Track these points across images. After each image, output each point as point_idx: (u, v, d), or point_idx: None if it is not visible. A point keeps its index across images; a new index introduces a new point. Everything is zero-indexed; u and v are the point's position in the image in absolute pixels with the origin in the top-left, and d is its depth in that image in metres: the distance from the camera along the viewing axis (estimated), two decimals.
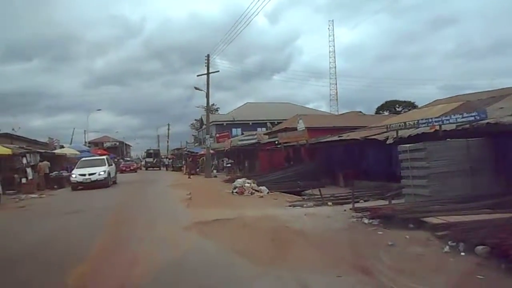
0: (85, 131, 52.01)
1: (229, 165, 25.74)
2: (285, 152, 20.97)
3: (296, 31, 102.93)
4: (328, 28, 58.70)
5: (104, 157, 21.29)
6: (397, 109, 43.83)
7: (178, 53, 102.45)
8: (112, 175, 19.63)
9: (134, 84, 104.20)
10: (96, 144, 57.93)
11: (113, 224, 8.44)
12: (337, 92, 56.42)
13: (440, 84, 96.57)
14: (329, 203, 9.78)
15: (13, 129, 27.05)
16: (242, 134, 35.12)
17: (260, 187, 13.89)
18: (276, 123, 35.84)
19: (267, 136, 26.77)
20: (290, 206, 9.99)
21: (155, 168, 45.82)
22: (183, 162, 41.80)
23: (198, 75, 27.42)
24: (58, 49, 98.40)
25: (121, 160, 44.44)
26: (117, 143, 66.44)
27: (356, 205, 8.73)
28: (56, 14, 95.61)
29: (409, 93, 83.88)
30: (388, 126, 11.98)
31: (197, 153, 32.87)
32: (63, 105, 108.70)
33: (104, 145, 60.20)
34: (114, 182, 19.97)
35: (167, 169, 42.79)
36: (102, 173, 18.17)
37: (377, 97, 66.79)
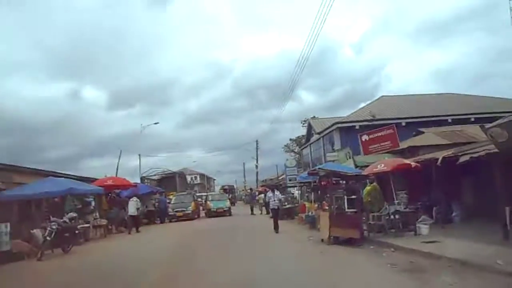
0: (139, 155, 42.24)
1: None
2: None
3: (383, 58, 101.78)
4: None
5: None
6: None
7: (265, 90, 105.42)
8: None
9: (223, 122, 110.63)
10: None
11: None
12: None
13: None
14: None
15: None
16: None
17: None
18: (450, 120, 20.93)
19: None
20: None
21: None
22: (312, 196, 26.45)
23: None
24: (158, 94, 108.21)
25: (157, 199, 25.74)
26: (175, 173, 51.33)
27: None
28: (156, 63, 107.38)
29: None
30: None
31: (351, 174, 19.79)
32: (158, 145, 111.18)
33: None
34: None
35: (252, 212, 26.94)
36: None
37: None
